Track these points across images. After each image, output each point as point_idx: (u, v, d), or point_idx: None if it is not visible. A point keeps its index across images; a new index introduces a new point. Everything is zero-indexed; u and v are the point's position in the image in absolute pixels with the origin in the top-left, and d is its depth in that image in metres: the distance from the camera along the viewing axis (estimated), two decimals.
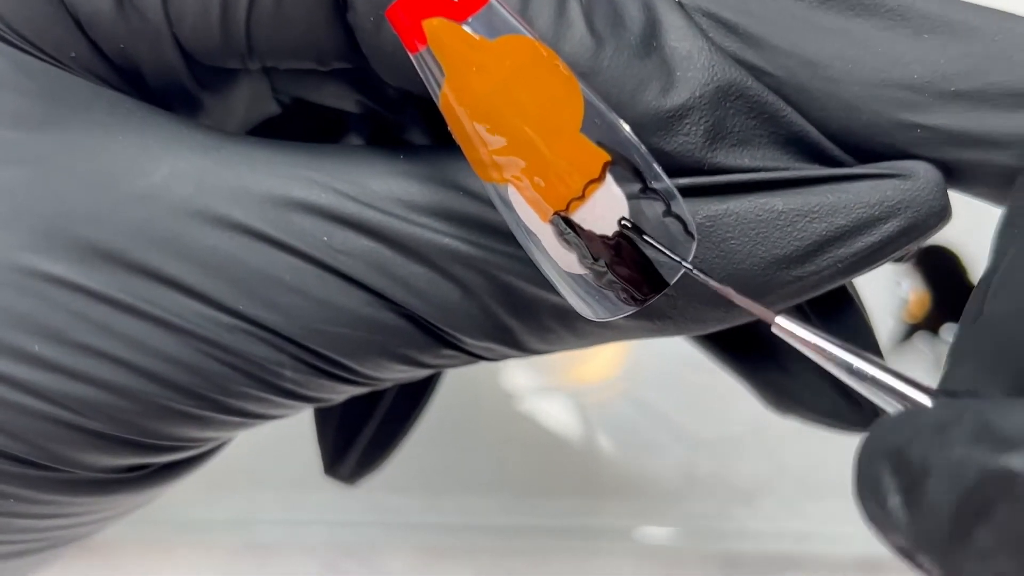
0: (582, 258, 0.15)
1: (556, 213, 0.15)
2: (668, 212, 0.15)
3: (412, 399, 0.24)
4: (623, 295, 0.15)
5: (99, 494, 0.18)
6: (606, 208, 0.15)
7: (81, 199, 0.16)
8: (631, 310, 0.16)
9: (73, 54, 0.17)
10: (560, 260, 0.15)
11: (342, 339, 0.17)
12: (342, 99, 0.20)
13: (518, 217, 0.15)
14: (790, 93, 0.16)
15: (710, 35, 0.16)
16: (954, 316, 0.34)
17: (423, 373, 0.19)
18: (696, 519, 0.34)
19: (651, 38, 0.16)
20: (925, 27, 0.16)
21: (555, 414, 0.36)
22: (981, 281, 0.15)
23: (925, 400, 0.13)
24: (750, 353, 0.22)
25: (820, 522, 0.34)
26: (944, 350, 0.34)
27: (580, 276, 0.15)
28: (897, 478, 0.12)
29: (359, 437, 0.24)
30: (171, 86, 0.17)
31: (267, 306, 0.16)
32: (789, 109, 0.16)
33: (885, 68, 0.16)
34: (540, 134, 0.15)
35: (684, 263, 0.15)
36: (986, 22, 0.16)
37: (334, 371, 0.17)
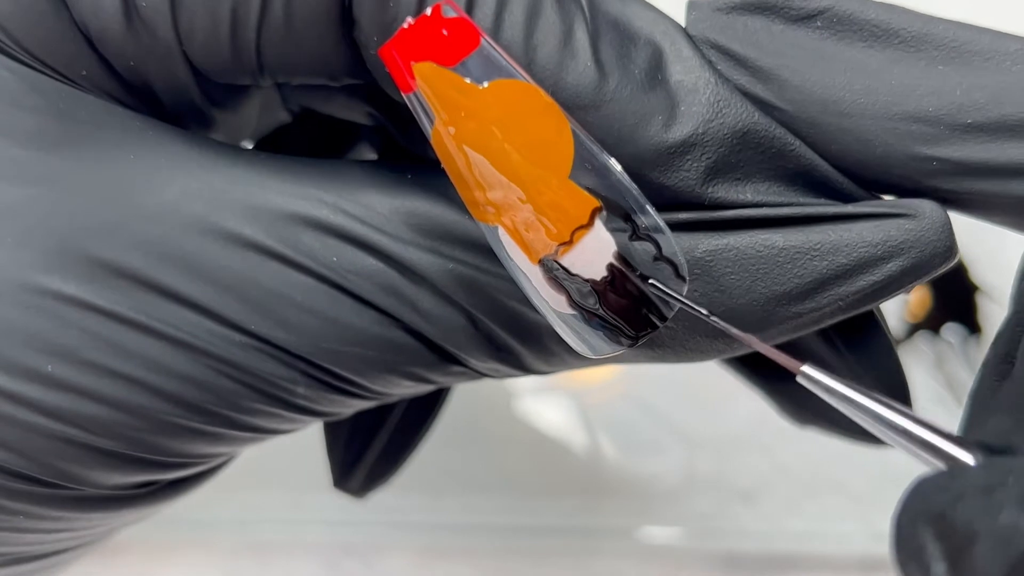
0: (571, 300, 0.15)
1: (544, 257, 0.15)
2: (659, 256, 0.15)
3: (421, 414, 0.24)
4: (615, 334, 0.15)
5: (107, 510, 0.18)
6: (594, 253, 0.15)
7: (93, 217, 0.16)
8: (623, 349, 0.16)
9: (84, 72, 0.16)
10: (551, 300, 0.15)
11: (353, 357, 0.17)
12: (352, 111, 0.20)
13: (508, 256, 0.15)
14: (801, 128, 0.16)
15: (719, 68, 0.16)
16: (955, 316, 0.34)
17: (431, 388, 0.19)
18: (696, 518, 0.34)
19: (657, 70, 0.15)
20: (939, 58, 0.15)
21: (556, 414, 0.36)
22: (1004, 328, 0.14)
23: (961, 453, 0.13)
24: (767, 364, 0.22)
25: (820, 521, 0.34)
26: (945, 349, 0.34)
27: (572, 315, 0.15)
28: (941, 544, 0.11)
29: (368, 452, 0.24)
30: (183, 103, 0.17)
31: (279, 325, 0.16)
32: (798, 143, 0.16)
33: (898, 101, 0.15)
34: (528, 181, 0.15)
35: (702, 312, 0.15)
36: (1002, 49, 0.15)
37: (345, 387, 0.17)
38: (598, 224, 0.15)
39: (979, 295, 0.34)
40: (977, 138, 0.15)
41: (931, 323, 0.34)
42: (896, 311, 0.34)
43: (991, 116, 0.15)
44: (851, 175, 0.16)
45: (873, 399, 0.13)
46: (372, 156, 0.23)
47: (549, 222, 0.15)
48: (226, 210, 0.16)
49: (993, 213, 0.16)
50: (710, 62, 0.16)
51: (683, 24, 0.16)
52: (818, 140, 0.16)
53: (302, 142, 0.22)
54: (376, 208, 0.16)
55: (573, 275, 0.15)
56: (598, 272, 0.15)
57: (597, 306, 0.15)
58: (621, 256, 0.15)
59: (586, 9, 0.16)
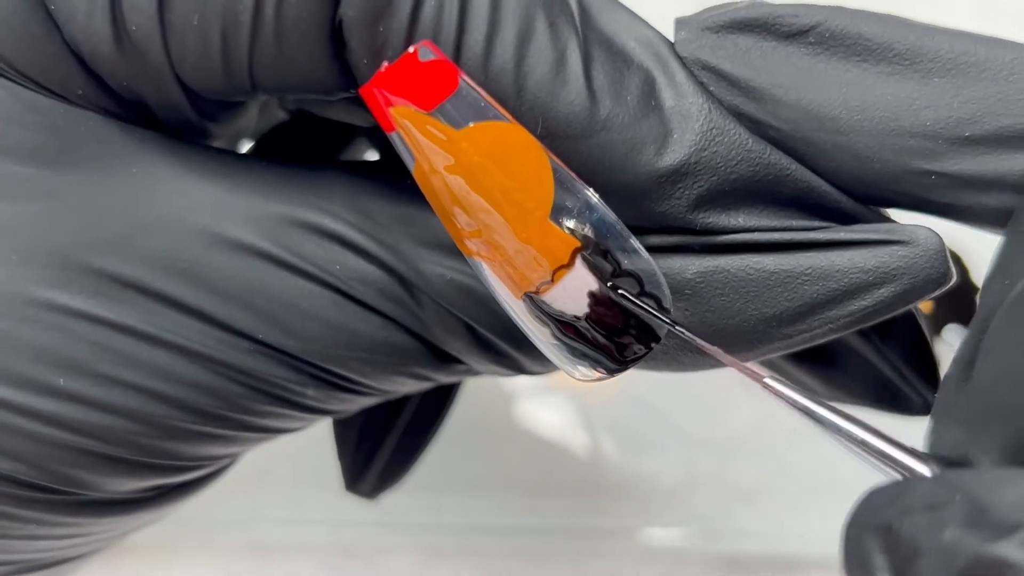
0: (554, 334, 0.15)
1: (526, 294, 0.15)
2: (642, 292, 0.15)
3: (429, 414, 0.24)
4: (599, 362, 0.16)
5: (120, 514, 0.18)
6: (576, 291, 0.15)
7: (97, 231, 0.16)
8: (609, 376, 0.16)
9: (80, 91, 0.16)
10: (535, 332, 0.15)
11: (360, 361, 0.17)
12: (351, 116, 0.20)
13: (494, 289, 0.15)
14: (797, 146, 0.15)
15: (711, 89, 0.16)
16: (956, 317, 0.34)
17: (436, 384, 0.19)
18: (697, 519, 0.34)
19: (649, 97, 0.15)
20: (935, 71, 0.15)
21: (556, 414, 0.36)
22: (971, 330, 0.14)
23: (916, 465, 0.13)
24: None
25: (822, 522, 0.34)
26: (947, 351, 0.34)
27: (557, 345, 0.16)
28: (887, 556, 0.11)
29: (379, 453, 0.24)
30: (178, 118, 0.17)
31: (286, 332, 0.16)
32: (794, 166, 0.16)
33: (895, 116, 0.15)
34: (508, 222, 0.15)
35: (667, 321, 0.15)
36: (998, 59, 0.15)
37: (354, 387, 0.18)
38: (579, 264, 0.15)
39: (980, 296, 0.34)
40: (975, 151, 0.15)
41: (932, 325, 0.34)
42: None
43: (988, 129, 0.15)
44: (848, 191, 0.16)
45: (832, 411, 0.13)
46: (371, 152, 0.23)
47: (530, 262, 0.15)
48: (229, 219, 0.16)
49: (992, 224, 0.16)
50: (703, 85, 0.16)
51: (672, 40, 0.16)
52: (814, 158, 0.16)
53: (300, 139, 0.22)
54: (375, 216, 0.16)
55: (557, 310, 0.15)
56: (580, 309, 0.15)
57: (579, 340, 0.15)
58: (602, 294, 0.15)
59: (580, 32, 0.15)
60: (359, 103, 0.19)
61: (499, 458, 0.35)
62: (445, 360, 0.18)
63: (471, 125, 0.14)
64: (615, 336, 0.15)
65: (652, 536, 0.34)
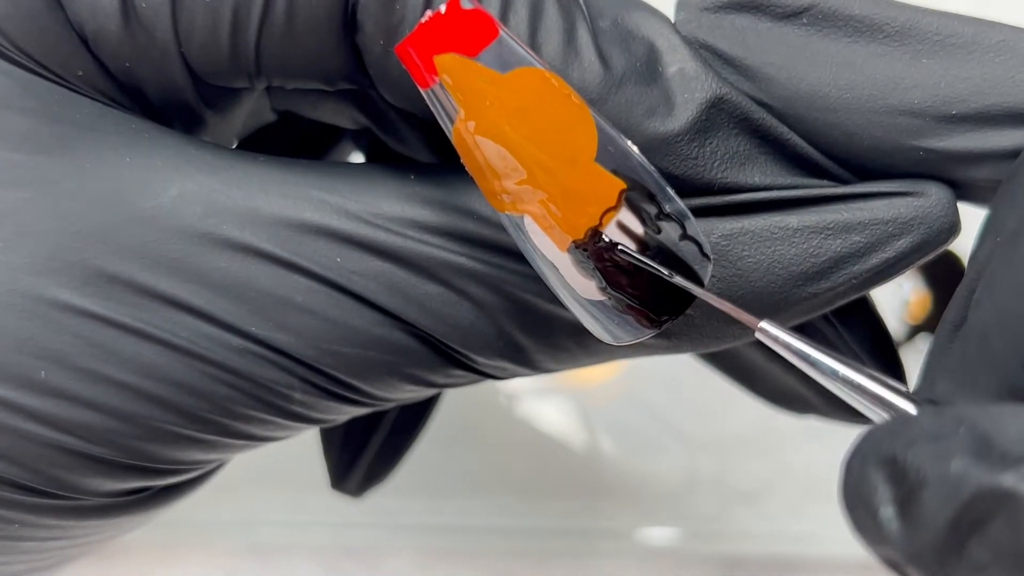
0: (601, 285, 0.15)
1: (574, 242, 0.15)
2: (684, 235, 0.15)
3: (415, 412, 0.24)
4: (642, 318, 0.16)
5: (102, 518, 0.18)
6: (623, 235, 0.15)
7: (88, 221, 0.16)
8: (650, 333, 0.16)
9: (80, 72, 0.16)
10: (579, 287, 0.15)
11: (353, 359, 0.17)
12: (340, 116, 0.20)
13: (534, 246, 0.15)
14: (789, 123, 0.16)
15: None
16: None
17: (430, 393, 0.19)
18: (698, 520, 0.34)
19: (655, 63, 0.16)
20: (923, 51, 0.16)
21: (556, 415, 0.36)
22: (959, 291, 0.15)
23: (910, 408, 0.13)
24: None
25: (822, 524, 0.34)
26: None
27: (599, 302, 0.16)
28: (891, 487, 0.12)
29: (364, 452, 0.24)
30: (173, 104, 0.17)
31: (278, 327, 0.16)
32: (791, 134, 0.16)
33: (884, 95, 0.16)
34: (556, 165, 0.15)
35: (662, 271, 0.15)
36: (986, 39, 0.15)
37: (343, 392, 0.17)
38: (626, 206, 0.15)
39: None
40: (962, 128, 0.15)
41: (931, 325, 0.34)
42: (897, 313, 0.34)
43: (975, 107, 0.15)
44: (840, 164, 0.16)
45: (826, 354, 0.14)
46: (355, 154, 0.23)
47: (579, 206, 0.15)
48: (225, 213, 0.16)
49: (981, 197, 0.16)
50: (702, 56, 0.16)
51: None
52: (806, 134, 0.16)
53: (284, 141, 0.22)
54: (382, 208, 0.16)
55: (604, 260, 0.15)
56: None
57: (623, 293, 0.15)
58: (649, 235, 0.15)
59: (584, 8, 0.16)
60: (351, 99, 0.19)
61: (499, 460, 0.35)
62: (445, 361, 0.17)
63: (515, 69, 0.15)
64: (659, 289, 0.16)
65: (652, 537, 0.34)
